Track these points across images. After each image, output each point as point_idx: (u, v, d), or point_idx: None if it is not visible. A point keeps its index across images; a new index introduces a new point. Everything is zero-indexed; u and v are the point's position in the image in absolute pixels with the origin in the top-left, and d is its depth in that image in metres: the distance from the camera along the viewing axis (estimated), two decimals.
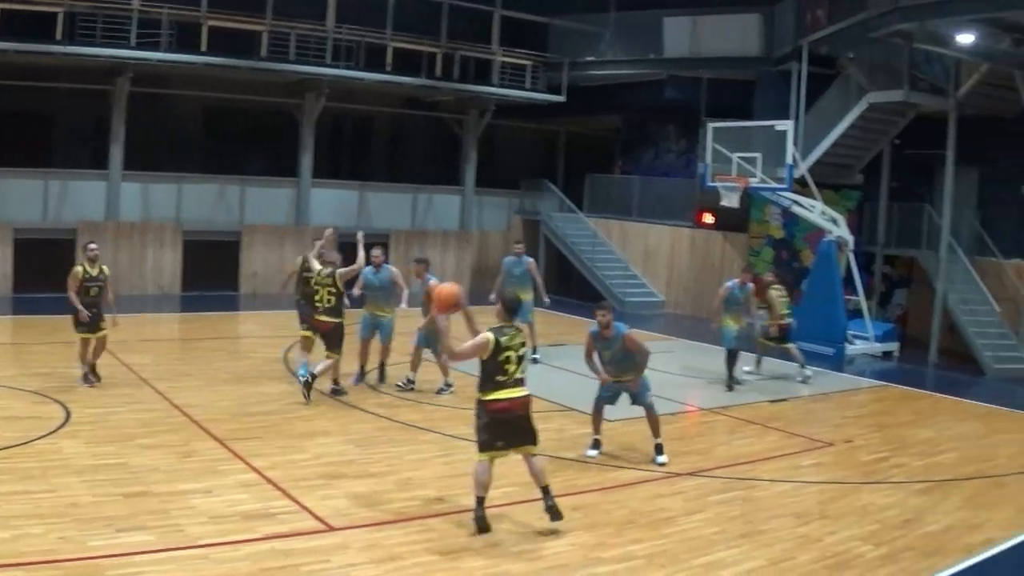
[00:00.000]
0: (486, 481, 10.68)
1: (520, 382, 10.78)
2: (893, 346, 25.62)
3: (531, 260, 21.50)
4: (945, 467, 14.87)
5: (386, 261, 18.11)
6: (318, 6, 29.94)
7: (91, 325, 16.19)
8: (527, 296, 20.46)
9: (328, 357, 16.64)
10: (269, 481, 11.87)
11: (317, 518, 10.71)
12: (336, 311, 16.62)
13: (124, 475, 11.76)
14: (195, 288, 29.35)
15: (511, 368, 10.66)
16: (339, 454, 13.40)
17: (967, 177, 27.19)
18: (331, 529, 10.44)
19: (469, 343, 10.75)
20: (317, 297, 16.70)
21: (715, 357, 21.83)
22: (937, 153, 26.31)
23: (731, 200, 26.07)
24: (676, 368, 22.28)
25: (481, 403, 10.71)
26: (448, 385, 17.67)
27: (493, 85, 33.12)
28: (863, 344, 25.35)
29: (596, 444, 14.34)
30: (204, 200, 30.58)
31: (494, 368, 10.62)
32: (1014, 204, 26.76)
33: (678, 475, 13.59)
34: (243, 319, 26.78)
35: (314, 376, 16.34)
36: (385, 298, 17.76)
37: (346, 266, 16.99)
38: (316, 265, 16.93)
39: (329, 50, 29.50)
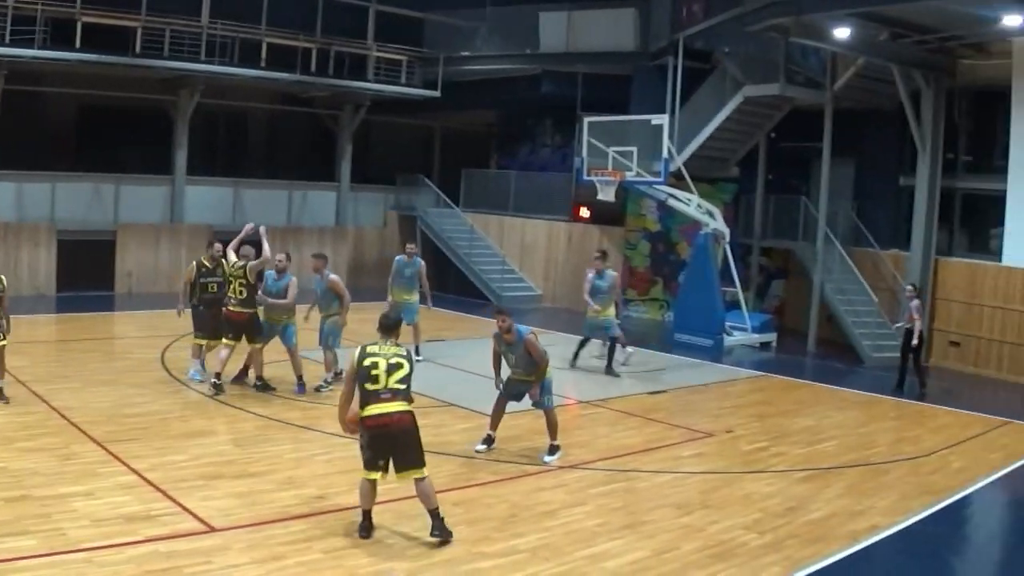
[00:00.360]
0: (368, 498, 10.34)
1: (396, 395, 10.27)
2: (771, 337, 25.80)
3: (422, 263, 21.23)
4: (826, 455, 14.95)
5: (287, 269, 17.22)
6: (193, 2, 29.25)
7: None
8: (413, 297, 20.52)
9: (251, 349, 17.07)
10: (149, 483, 11.54)
11: (198, 519, 10.46)
12: (249, 302, 16.75)
13: (5, 479, 11.33)
14: (71, 288, 28.46)
15: (379, 375, 10.23)
16: (218, 454, 13.07)
17: (843, 169, 27.51)
18: (213, 530, 10.19)
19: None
20: (230, 289, 16.81)
21: (592, 350, 21.70)
22: (813, 146, 26.59)
23: (607, 194, 26.03)
24: (555, 362, 21.97)
25: (360, 419, 10.31)
26: (327, 382, 17.50)
27: (368, 80, 32.73)
28: (741, 335, 25.50)
29: (488, 440, 14.18)
30: (79, 199, 29.69)
31: (364, 375, 10.25)
32: (890, 195, 27.15)
33: (560, 468, 13.50)
34: (119, 319, 26.05)
35: (218, 375, 16.49)
36: (283, 304, 16.97)
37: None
38: (232, 256, 17.02)
39: (204, 46, 28.88)
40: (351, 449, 11.56)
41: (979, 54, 24.18)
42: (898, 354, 21.36)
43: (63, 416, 14.55)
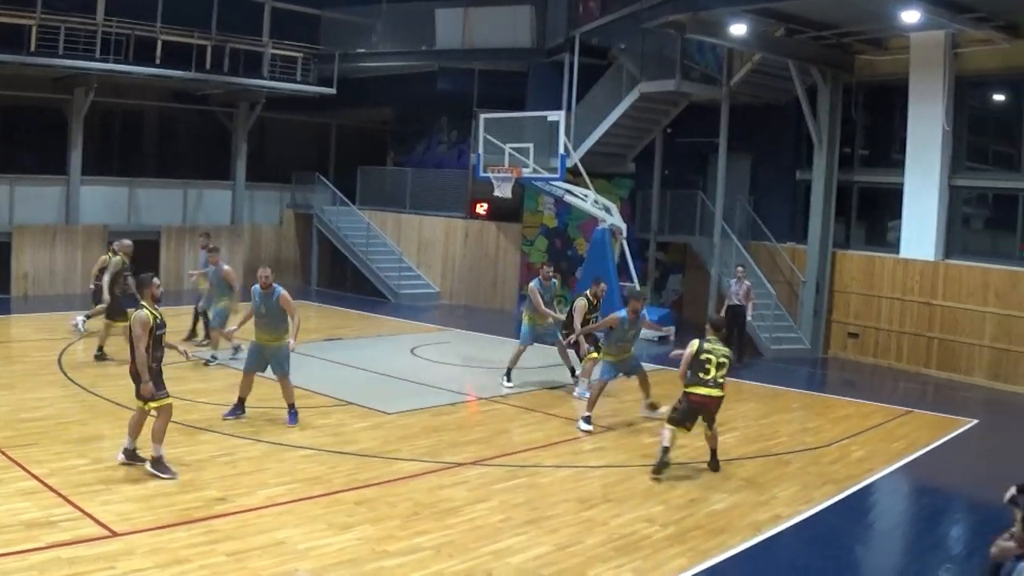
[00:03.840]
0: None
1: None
2: (669, 330, 25.77)
3: (227, 268, 20.33)
4: (727, 447, 14.87)
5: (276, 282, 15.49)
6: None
7: None
8: (222, 303, 19.77)
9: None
10: (50, 488, 11.20)
11: (100, 524, 10.16)
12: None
13: None
14: None
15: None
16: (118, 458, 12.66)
17: (740, 164, 27.72)
18: (115, 535, 9.91)
19: None
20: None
21: (491, 346, 21.58)
22: (710, 141, 26.71)
23: (504, 190, 25.95)
24: (454, 358, 22.05)
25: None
26: (214, 357, 18.58)
27: (263, 78, 32.29)
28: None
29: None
30: None
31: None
32: (787, 189, 27.34)
33: (461, 465, 13.35)
34: (15, 322, 25.29)
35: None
36: (275, 324, 15.09)
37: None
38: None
39: (99, 44, 28.24)
40: (251, 451, 12.32)
41: (877, 49, 24.43)
42: (797, 346, 21.52)
43: None
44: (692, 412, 13.14)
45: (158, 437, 11.96)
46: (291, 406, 15.03)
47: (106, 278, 19.28)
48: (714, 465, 13.54)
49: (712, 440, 13.55)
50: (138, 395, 12.02)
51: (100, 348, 19.09)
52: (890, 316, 24.09)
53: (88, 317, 21.63)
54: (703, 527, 11.19)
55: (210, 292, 20.05)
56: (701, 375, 13.03)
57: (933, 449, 15.94)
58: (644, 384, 16.72)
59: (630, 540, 10.64)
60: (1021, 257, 22.16)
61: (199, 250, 22.13)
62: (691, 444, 14.16)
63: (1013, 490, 10.06)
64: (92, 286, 21.40)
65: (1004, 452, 16.45)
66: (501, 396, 18.09)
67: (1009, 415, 19.88)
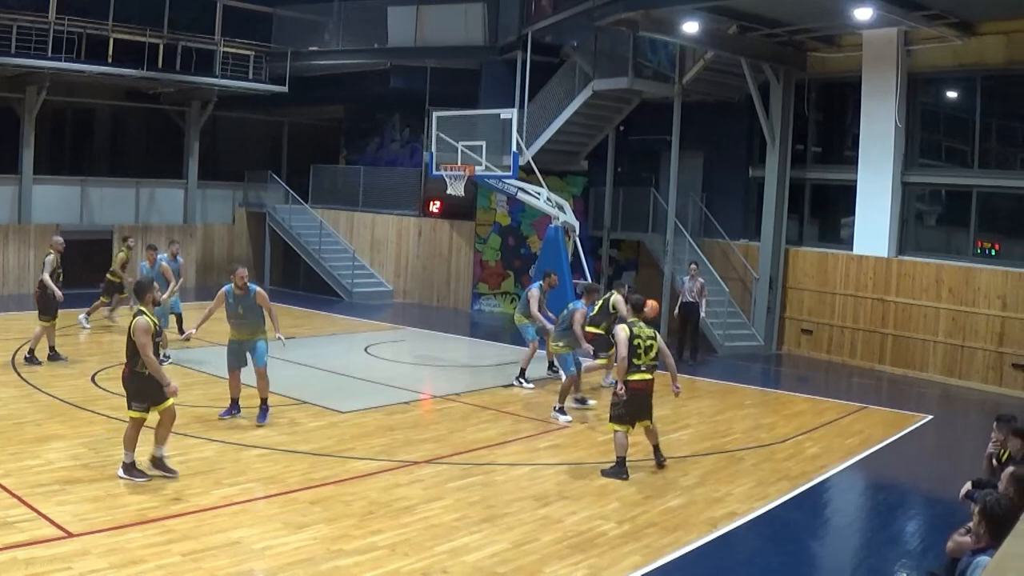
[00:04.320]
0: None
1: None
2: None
3: (164, 264, 20.85)
4: (682, 444, 14.92)
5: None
6: None
7: None
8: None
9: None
10: (5, 489, 11.06)
11: (56, 525, 10.06)
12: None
13: None
14: None
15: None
16: (73, 458, 12.51)
17: (692, 161, 27.76)
18: (71, 535, 9.81)
19: None
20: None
21: (445, 344, 21.49)
22: (662, 138, 26.70)
23: (457, 189, 25.80)
24: (408, 357, 21.99)
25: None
26: (167, 356, 18.61)
27: (215, 76, 32.04)
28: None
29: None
30: None
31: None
32: (740, 186, 27.39)
33: (415, 463, 13.26)
34: None
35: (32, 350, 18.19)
36: (254, 322, 15.10)
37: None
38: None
39: (51, 42, 27.95)
40: (204, 450, 12.36)
41: (829, 47, 24.51)
42: (750, 343, 21.56)
43: None
44: (634, 402, 13.06)
45: (161, 439, 11.96)
46: (264, 401, 14.97)
47: (45, 276, 18.85)
48: (659, 460, 13.49)
49: (653, 436, 13.49)
50: (148, 401, 11.83)
51: (52, 348, 18.94)
52: (844, 312, 24.18)
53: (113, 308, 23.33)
54: (658, 524, 11.15)
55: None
56: (635, 361, 13.01)
57: (887, 445, 15.98)
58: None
59: (585, 537, 10.60)
60: (974, 253, 22.28)
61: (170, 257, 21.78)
62: (646, 442, 14.09)
63: (968, 486, 10.10)
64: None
65: (958, 447, 16.55)
66: (454, 393, 17.97)
67: (963, 410, 20.00)
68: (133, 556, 9.34)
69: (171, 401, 11.88)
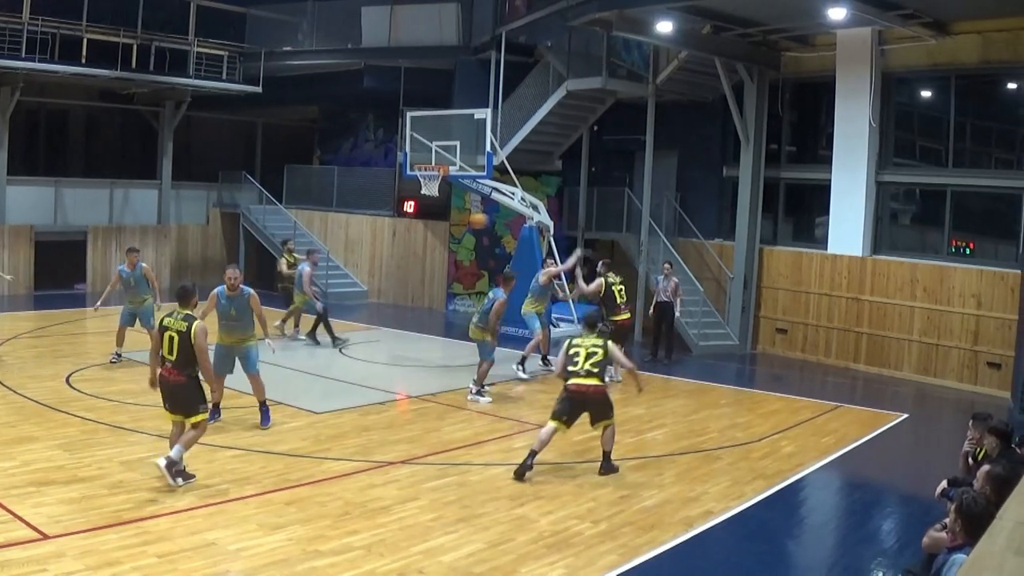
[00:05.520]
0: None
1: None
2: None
3: (146, 266, 20.23)
4: (657, 443, 14.94)
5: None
6: None
7: None
8: (147, 301, 19.53)
9: None
10: None
11: (31, 527, 10.02)
12: None
13: None
14: None
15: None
16: (47, 460, 12.44)
17: (667, 161, 27.77)
18: (46, 537, 9.77)
19: None
20: None
21: (419, 344, 21.48)
22: (636, 138, 26.73)
23: (431, 189, 25.77)
24: (383, 357, 21.98)
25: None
26: (119, 355, 19.01)
27: (189, 76, 31.89)
28: (567, 327, 25.30)
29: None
30: None
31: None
32: (714, 186, 27.42)
33: (391, 464, 13.23)
34: None
35: None
36: (244, 325, 15.05)
37: None
38: None
39: (24, 42, 27.79)
40: None
41: (803, 47, 24.58)
42: (725, 342, 21.59)
43: None
44: (569, 403, 13.04)
45: (188, 445, 11.80)
46: (262, 403, 14.97)
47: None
48: (605, 467, 13.28)
49: (606, 442, 13.38)
50: (189, 408, 11.80)
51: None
52: (818, 312, 24.22)
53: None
54: (634, 523, 11.14)
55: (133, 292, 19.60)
56: (571, 368, 13.03)
57: (863, 443, 16.00)
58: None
59: (561, 537, 10.58)
60: (949, 252, 22.34)
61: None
62: (622, 441, 14.08)
63: (944, 484, 10.11)
64: None
65: (934, 446, 16.62)
66: (429, 393, 17.97)
67: (938, 409, 20.08)
68: (109, 558, 9.29)
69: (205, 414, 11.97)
